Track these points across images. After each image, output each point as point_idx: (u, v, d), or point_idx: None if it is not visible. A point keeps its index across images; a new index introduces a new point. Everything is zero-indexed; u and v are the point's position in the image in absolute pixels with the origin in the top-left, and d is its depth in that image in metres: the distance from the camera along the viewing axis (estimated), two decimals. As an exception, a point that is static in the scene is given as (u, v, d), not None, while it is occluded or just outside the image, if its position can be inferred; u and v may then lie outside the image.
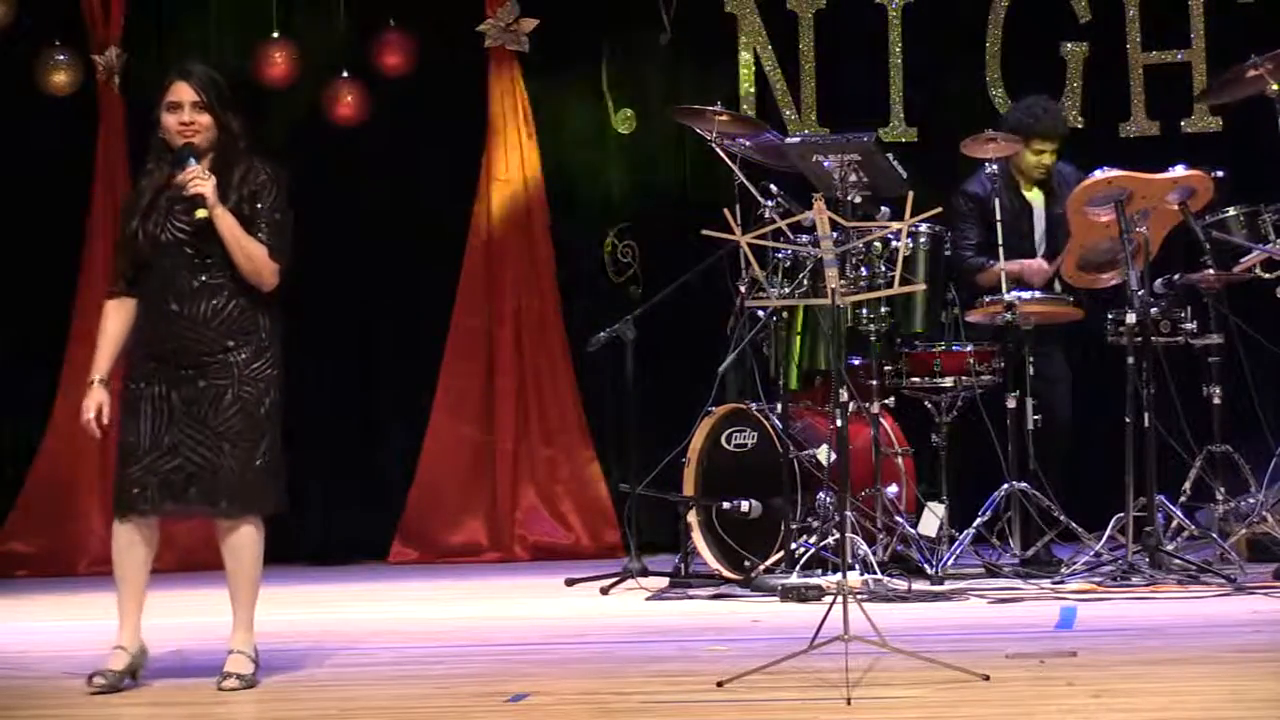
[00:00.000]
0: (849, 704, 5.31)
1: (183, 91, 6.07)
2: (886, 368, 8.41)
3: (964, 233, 8.72)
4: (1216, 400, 8.45)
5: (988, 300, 8.44)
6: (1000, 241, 8.43)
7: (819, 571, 7.96)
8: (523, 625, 7.62)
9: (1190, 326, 8.31)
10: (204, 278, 6.04)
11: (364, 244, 10.56)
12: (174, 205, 6.05)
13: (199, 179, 5.98)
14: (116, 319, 6.14)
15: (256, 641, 6.15)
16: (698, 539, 8.48)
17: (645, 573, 8.58)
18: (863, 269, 8.27)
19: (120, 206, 6.22)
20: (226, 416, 6.02)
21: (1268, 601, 7.39)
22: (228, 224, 6.00)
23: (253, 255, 6.02)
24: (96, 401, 6.04)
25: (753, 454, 8.41)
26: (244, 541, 6.09)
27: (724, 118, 8.79)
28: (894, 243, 8.10)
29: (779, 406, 8.38)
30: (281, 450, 6.15)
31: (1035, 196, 8.90)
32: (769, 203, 8.40)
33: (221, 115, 6.10)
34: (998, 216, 8.46)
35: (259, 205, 6.06)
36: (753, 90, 10.41)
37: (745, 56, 10.44)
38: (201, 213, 5.96)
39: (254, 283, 6.05)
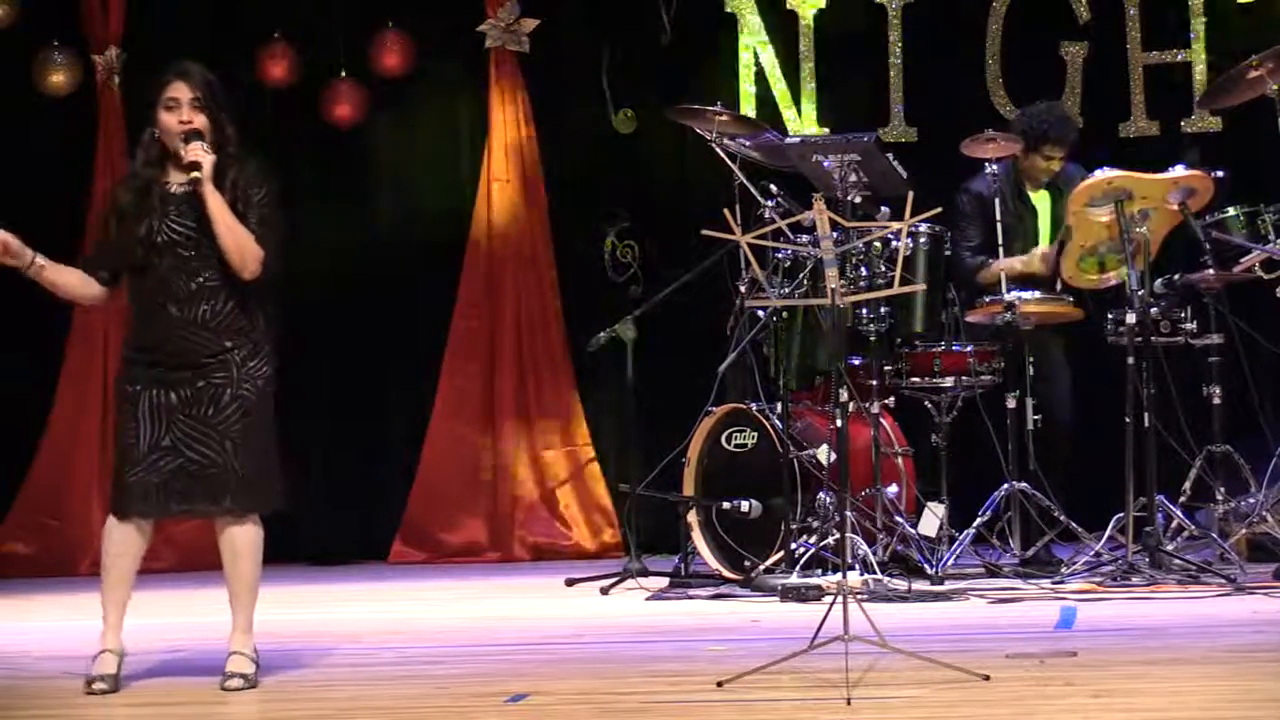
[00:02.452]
0: (849, 704, 5.31)
1: (181, 90, 6.06)
2: (886, 368, 8.41)
3: (965, 232, 8.72)
4: (1216, 400, 8.45)
5: (988, 300, 8.44)
6: (1001, 242, 8.44)
7: (819, 571, 7.96)
8: (523, 625, 7.61)
9: (1190, 326, 8.32)
10: (200, 279, 6.02)
11: (364, 244, 10.58)
12: (168, 206, 6.05)
13: (203, 149, 5.97)
14: (82, 277, 6.21)
15: (256, 641, 6.15)
16: (698, 539, 8.48)
17: (645, 573, 8.58)
18: (863, 269, 8.27)
19: (106, 205, 6.19)
20: (227, 415, 6.01)
21: (1268, 601, 7.39)
22: (216, 202, 5.97)
23: (239, 238, 5.98)
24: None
25: (753, 454, 8.41)
26: (245, 540, 6.08)
27: (724, 118, 8.79)
28: (894, 243, 8.10)
29: (779, 406, 8.38)
30: (278, 448, 6.14)
31: (1041, 198, 8.90)
32: (769, 203, 8.40)
33: (217, 116, 6.10)
34: (998, 217, 8.47)
35: (250, 194, 6.03)
36: (753, 90, 10.41)
37: (745, 57, 10.44)
38: (195, 174, 5.94)
39: (237, 269, 5.99)
